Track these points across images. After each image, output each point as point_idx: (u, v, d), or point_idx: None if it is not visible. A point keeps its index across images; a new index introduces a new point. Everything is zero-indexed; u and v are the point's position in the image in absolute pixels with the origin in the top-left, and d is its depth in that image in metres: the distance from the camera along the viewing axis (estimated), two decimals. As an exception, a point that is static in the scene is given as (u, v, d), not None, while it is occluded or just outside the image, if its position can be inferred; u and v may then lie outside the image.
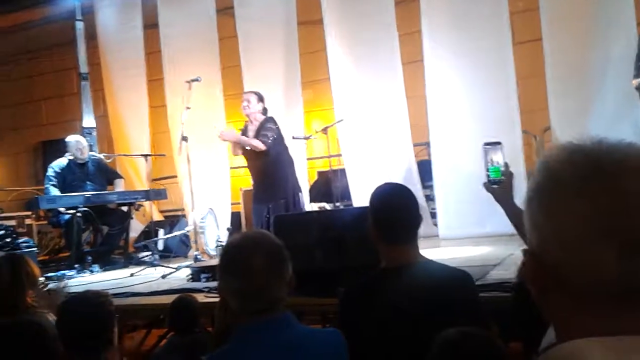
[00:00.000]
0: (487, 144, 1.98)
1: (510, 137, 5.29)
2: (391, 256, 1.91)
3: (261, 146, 4.95)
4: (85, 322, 1.96)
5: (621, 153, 0.68)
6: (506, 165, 1.97)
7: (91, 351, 1.95)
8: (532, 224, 0.71)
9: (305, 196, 5.93)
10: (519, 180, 5.47)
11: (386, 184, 2.13)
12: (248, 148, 5.09)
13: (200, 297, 3.18)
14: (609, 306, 0.66)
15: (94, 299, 2.08)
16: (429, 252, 3.91)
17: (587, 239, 0.65)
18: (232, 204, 6.92)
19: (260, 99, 5.21)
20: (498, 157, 1.97)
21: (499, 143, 1.98)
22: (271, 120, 5.14)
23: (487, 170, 1.97)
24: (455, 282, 1.88)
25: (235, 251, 1.60)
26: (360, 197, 5.82)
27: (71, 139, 6.09)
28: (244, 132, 5.26)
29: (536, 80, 5.59)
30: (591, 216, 0.65)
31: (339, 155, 6.32)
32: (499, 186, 1.96)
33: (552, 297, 0.70)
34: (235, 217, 6.74)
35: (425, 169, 5.89)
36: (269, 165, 5.07)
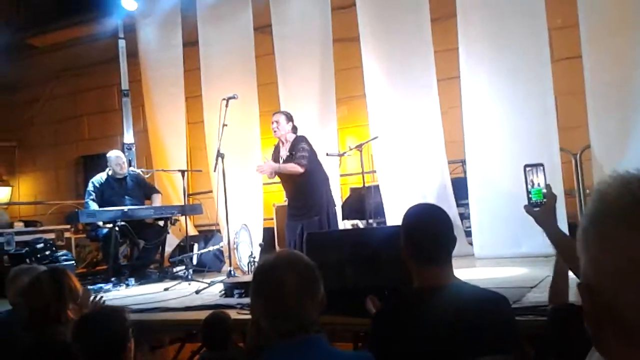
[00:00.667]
0: (528, 165, 1.95)
1: (548, 156, 5.19)
2: (424, 277, 1.88)
3: (299, 170, 4.96)
4: (100, 337, 1.99)
5: None
6: (548, 187, 1.93)
7: None
8: (588, 255, 0.68)
9: (338, 212, 5.93)
10: (557, 200, 5.38)
11: (420, 204, 2.11)
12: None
13: (233, 314, 3.19)
14: None
15: (110, 315, 2.12)
16: (464, 271, 3.86)
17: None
18: (265, 219, 6.96)
19: (289, 118, 5.22)
20: (539, 179, 1.94)
21: (540, 164, 1.95)
22: (303, 139, 5.14)
23: (529, 192, 1.93)
24: (490, 305, 1.84)
25: (268, 271, 1.59)
26: (394, 214, 5.78)
27: (112, 154, 6.24)
28: (276, 152, 5.30)
29: (575, 97, 5.49)
30: None
31: (373, 171, 6.30)
32: (540, 209, 1.92)
33: (607, 331, 0.67)
34: (268, 232, 6.77)
35: (460, 187, 5.82)
36: (303, 183, 5.07)
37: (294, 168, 4.97)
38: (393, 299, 1.96)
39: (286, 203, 5.49)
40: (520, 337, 1.86)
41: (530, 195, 1.93)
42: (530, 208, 1.93)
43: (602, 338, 0.68)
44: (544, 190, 1.93)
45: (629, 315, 0.64)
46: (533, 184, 1.94)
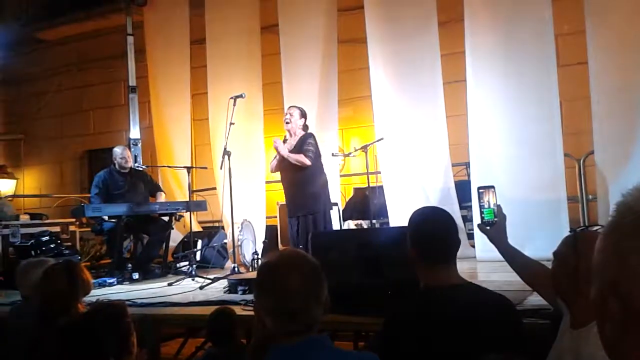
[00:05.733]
0: (481, 187, 2.19)
1: (552, 160, 5.23)
2: (431, 277, 1.93)
3: (307, 162, 5.03)
4: (102, 331, 2.02)
5: None
6: (499, 207, 2.16)
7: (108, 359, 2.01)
8: (624, 261, 0.71)
9: (336, 212, 5.99)
10: (559, 206, 5.37)
11: (425, 207, 2.18)
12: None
13: (237, 310, 3.22)
14: None
15: (111, 310, 2.16)
16: (466, 273, 3.88)
17: None
18: (268, 217, 7.01)
19: (303, 114, 5.31)
20: (491, 200, 2.16)
21: (492, 187, 2.19)
22: (312, 136, 5.23)
23: (482, 212, 2.16)
24: (497, 305, 1.88)
25: (272, 270, 1.57)
26: (398, 215, 5.82)
27: (117, 148, 6.27)
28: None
29: (581, 103, 5.51)
30: None
31: (377, 172, 6.33)
32: (492, 228, 2.15)
33: (633, 335, 0.70)
34: (272, 230, 6.81)
35: (464, 189, 5.85)
36: (303, 179, 5.14)
37: (301, 158, 5.04)
38: (402, 300, 1.99)
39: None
40: (527, 336, 1.90)
41: (482, 215, 2.15)
42: (483, 226, 2.16)
43: (625, 343, 0.71)
44: (495, 211, 2.15)
45: None
46: (489, 204, 2.16)
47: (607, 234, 0.74)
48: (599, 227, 1.71)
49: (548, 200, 5.17)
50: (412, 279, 2.04)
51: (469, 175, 5.97)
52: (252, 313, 3.14)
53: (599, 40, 5.03)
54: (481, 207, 2.18)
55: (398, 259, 2.90)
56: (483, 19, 5.60)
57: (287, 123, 5.27)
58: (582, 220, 5.58)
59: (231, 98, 5.25)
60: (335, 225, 5.88)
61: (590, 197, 5.66)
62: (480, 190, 2.19)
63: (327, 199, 5.31)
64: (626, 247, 0.71)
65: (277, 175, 5.52)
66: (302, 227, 5.07)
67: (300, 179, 5.14)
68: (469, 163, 5.84)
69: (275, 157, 5.37)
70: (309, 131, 5.30)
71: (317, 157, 5.19)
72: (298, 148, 5.16)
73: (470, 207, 5.67)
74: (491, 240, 2.18)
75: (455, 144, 6.01)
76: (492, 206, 2.17)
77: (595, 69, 5.06)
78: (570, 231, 1.74)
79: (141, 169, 6.51)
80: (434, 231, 1.95)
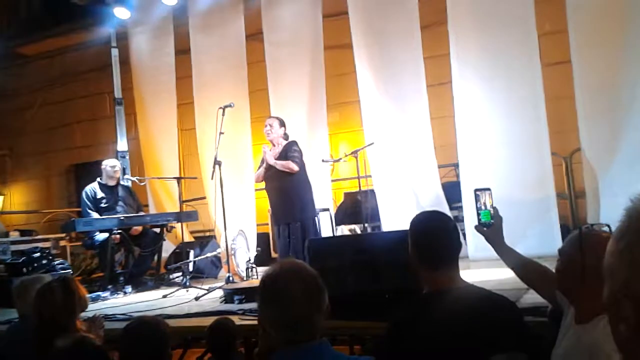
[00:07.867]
0: (477, 189, 2.25)
1: (539, 159, 5.29)
2: (434, 281, 1.95)
3: (295, 167, 5.11)
4: (145, 344, 2.13)
5: None
6: (495, 209, 2.22)
7: None
8: (634, 266, 0.73)
9: (327, 217, 6.01)
10: (549, 203, 5.42)
11: (427, 211, 2.24)
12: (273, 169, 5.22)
13: (235, 320, 3.22)
14: None
15: (153, 323, 2.24)
16: (460, 273, 3.91)
17: None
18: (260, 224, 7.00)
19: (282, 124, 5.39)
20: (488, 202, 2.22)
21: (488, 189, 2.24)
22: (295, 143, 5.32)
23: (478, 214, 2.23)
24: (500, 306, 1.91)
25: (275, 282, 1.62)
26: (389, 219, 5.85)
27: (107, 163, 6.22)
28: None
29: (566, 101, 5.57)
30: None
31: (367, 176, 6.36)
32: (489, 229, 2.20)
33: None
34: (264, 237, 6.81)
35: (453, 190, 5.89)
36: (291, 187, 5.19)
37: (289, 164, 5.13)
38: (405, 304, 2.01)
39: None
40: (530, 336, 1.92)
41: (479, 217, 2.22)
42: (480, 227, 2.21)
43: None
44: (492, 212, 2.21)
45: None
46: (486, 206, 2.22)
47: (618, 239, 0.76)
48: (603, 225, 1.74)
49: (537, 198, 5.23)
50: (409, 283, 2.07)
51: (458, 176, 6.01)
52: (250, 322, 3.16)
53: (581, 38, 5.09)
54: (478, 209, 2.22)
55: (395, 263, 2.93)
56: (466, 21, 5.65)
57: (268, 134, 5.35)
58: (572, 217, 5.64)
59: (220, 108, 5.26)
60: (328, 231, 5.91)
61: (577, 193, 5.72)
62: (477, 193, 2.24)
63: (314, 206, 5.37)
64: (637, 251, 0.73)
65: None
66: (293, 234, 5.11)
67: (288, 187, 5.18)
68: (457, 164, 5.88)
69: (261, 166, 5.41)
70: (291, 139, 5.37)
71: (302, 164, 5.24)
72: (284, 156, 5.21)
73: (461, 207, 5.71)
74: (488, 241, 2.22)
75: (443, 145, 6.05)
76: (488, 208, 2.22)
77: (579, 67, 5.13)
78: (563, 227, 1.78)
79: (129, 184, 6.46)
80: (435, 235, 1.98)
